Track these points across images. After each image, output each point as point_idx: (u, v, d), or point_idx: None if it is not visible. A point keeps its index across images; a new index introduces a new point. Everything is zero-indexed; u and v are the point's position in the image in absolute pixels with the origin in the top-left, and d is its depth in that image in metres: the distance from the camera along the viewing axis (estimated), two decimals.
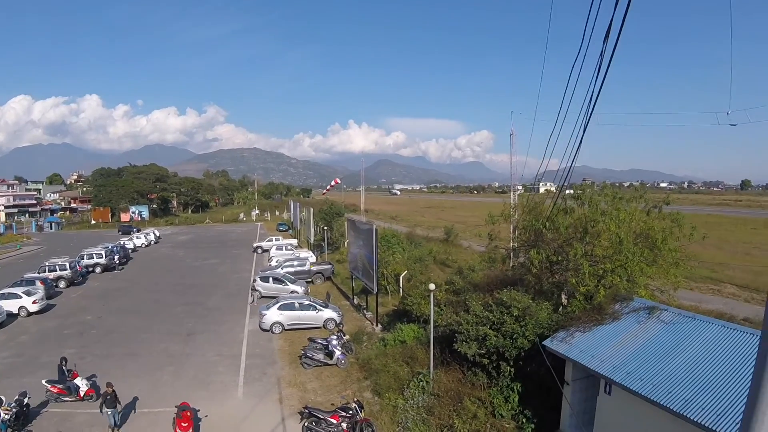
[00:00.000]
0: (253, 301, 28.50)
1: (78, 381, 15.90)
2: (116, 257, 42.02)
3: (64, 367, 16.40)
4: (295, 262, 35.22)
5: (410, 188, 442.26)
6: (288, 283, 29.52)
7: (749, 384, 8.73)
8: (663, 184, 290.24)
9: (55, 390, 15.59)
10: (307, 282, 32.72)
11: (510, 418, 13.08)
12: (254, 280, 31.34)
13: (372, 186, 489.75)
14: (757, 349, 10.25)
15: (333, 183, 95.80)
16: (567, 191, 17.51)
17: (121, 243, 48.82)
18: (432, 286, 15.79)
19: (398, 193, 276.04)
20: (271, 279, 29.97)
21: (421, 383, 14.93)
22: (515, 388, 13.41)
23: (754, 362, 9.69)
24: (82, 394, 15.71)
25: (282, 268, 33.92)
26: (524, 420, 12.89)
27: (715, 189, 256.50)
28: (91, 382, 16.36)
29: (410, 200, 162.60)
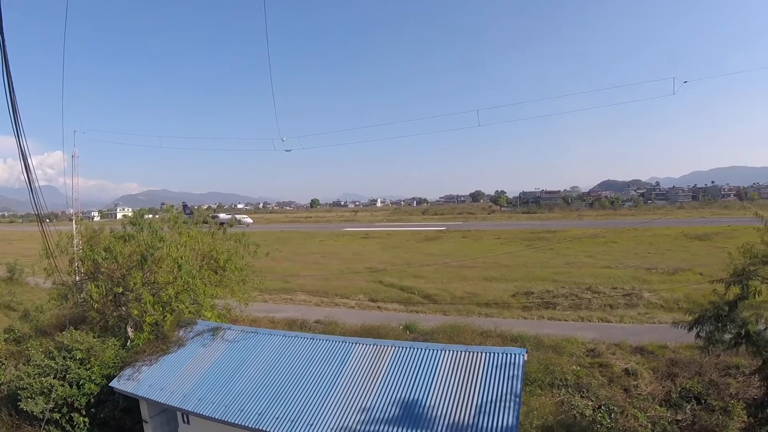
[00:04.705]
0: None
1: None
2: None
3: None
4: None
5: None
6: None
7: (313, 388, 9.75)
8: (240, 205, 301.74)
9: None
10: None
11: None
12: None
13: None
14: (316, 351, 10.99)
15: None
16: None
17: None
18: None
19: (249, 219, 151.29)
20: None
21: None
22: None
23: (315, 366, 11.07)
24: None
25: None
26: None
27: (287, 208, 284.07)
28: None
29: None
